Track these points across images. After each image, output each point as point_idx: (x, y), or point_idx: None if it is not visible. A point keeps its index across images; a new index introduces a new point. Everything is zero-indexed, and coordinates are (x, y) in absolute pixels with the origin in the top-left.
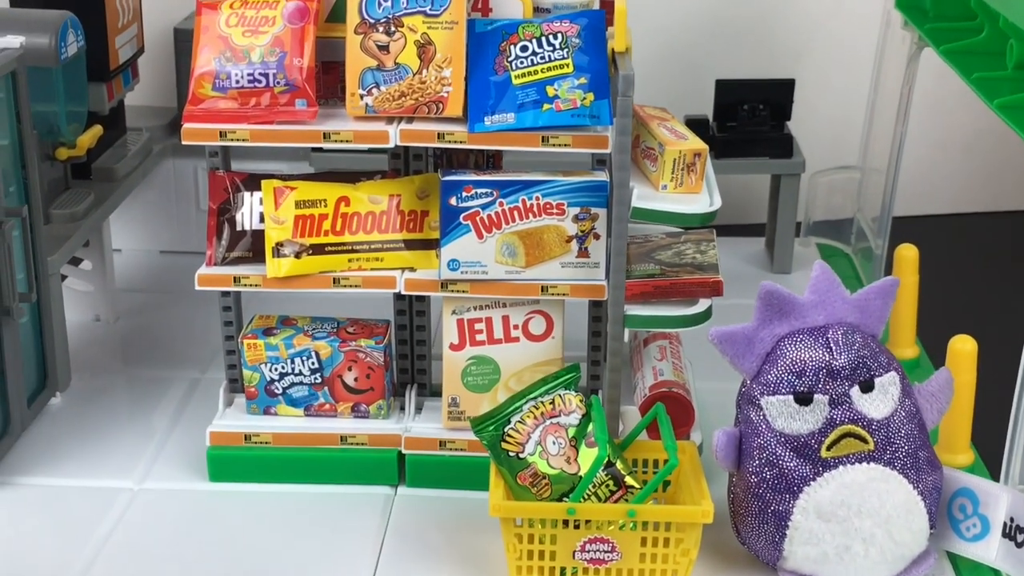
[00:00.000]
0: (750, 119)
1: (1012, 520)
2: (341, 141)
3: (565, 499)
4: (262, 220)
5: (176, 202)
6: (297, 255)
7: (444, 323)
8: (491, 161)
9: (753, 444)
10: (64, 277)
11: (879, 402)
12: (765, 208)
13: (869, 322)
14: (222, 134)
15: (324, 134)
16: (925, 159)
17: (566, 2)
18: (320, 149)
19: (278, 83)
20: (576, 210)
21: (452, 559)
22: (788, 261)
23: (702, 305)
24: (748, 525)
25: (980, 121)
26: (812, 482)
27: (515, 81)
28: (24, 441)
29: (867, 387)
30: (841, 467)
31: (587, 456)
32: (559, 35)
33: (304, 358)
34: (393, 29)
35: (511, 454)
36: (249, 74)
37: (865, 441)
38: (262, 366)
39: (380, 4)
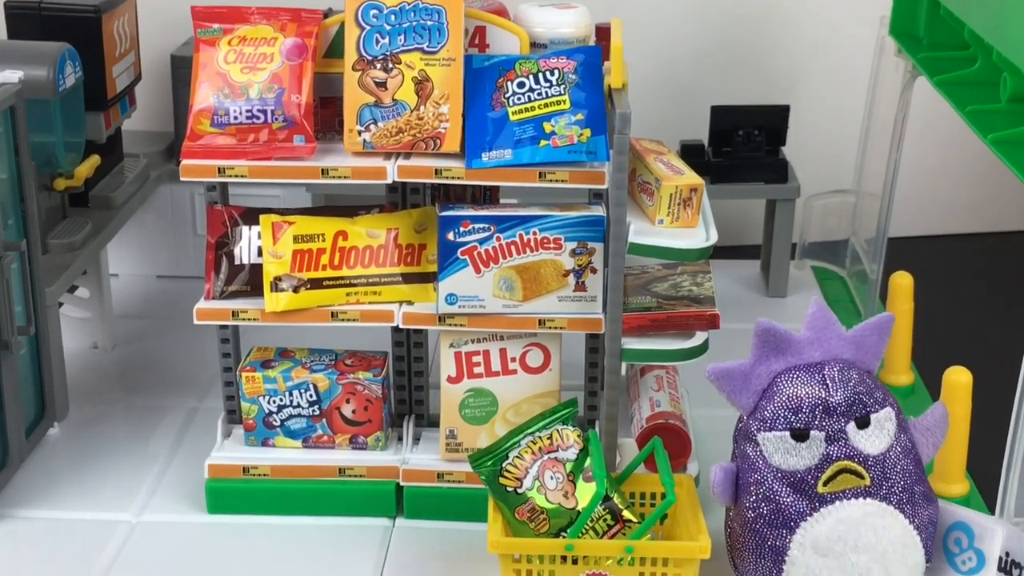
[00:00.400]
0: (745, 144)
1: (1008, 555)
2: (339, 177)
3: (563, 533)
4: (260, 254)
5: (173, 227)
6: (295, 289)
7: (442, 356)
8: (488, 195)
9: (750, 480)
10: (60, 304)
11: (875, 438)
12: (760, 231)
13: (865, 358)
14: (221, 170)
15: (322, 170)
16: (919, 180)
17: (563, 38)
18: None
19: (276, 119)
20: (573, 244)
21: None
22: (783, 284)
23: (699, 338)
24: (745, 560)
25: (974, 144)
26: (809, 517)
27: (512, 117)
28: (22, 473)
29: (863, 423)
30: (838, 502)
31: (585, 491)
32: (556, 71)
33: (302, 391)
34: (391, 66)
35: (509, 489)
36: (247, 110)
37: (861, 477)
38: (260, 399)
39: (378, 41)
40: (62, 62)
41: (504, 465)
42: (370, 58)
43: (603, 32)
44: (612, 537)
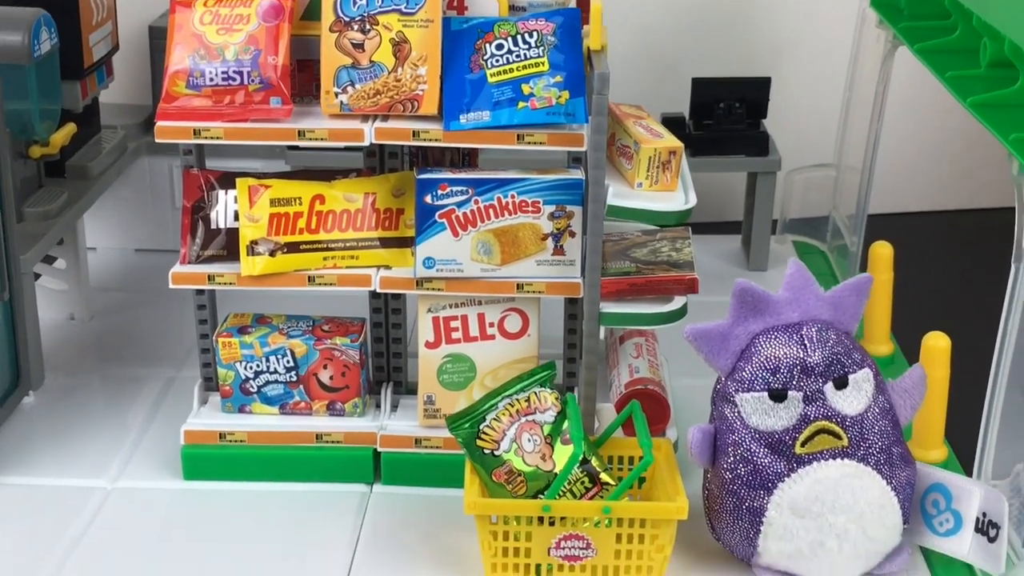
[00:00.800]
0: (726, 117)
1: (985, 515)
2: (316, 139)
3: (540, 496)
4: (236, 218)
5: (151, 200)
6: (272, 253)
7: (419, 321)
8: (467, 160)
9: (728, 440)
10: (38, 276)
11: (853, 398)
12: (741, 206)
13: (843, 319)
14: (196, 132)
15: (299, 132)
16: (900, 157)
17: (542, 0)
18: (296, 147)
19: (252, 81)
20: (551, 208)
21: (427, 557)
22: (764, 259)
23: (677, 302)
24: (723, 521)
25: (955, 119)
26: (786, 478)
27: (490, 79)
28: None
29: (841, 383)
30: (815, 463)
31: (562, 453)
32: (535, 33)
33: (279, 356)
34: (368, 27)
35: (486, 451)
36: (223, 72)
37: (839, 437)
38: (237, 364)
39: (355, 2)
40: (37, 27)
41: (481, 427)
42: (347, 19)
43: None
44: (590, 500)
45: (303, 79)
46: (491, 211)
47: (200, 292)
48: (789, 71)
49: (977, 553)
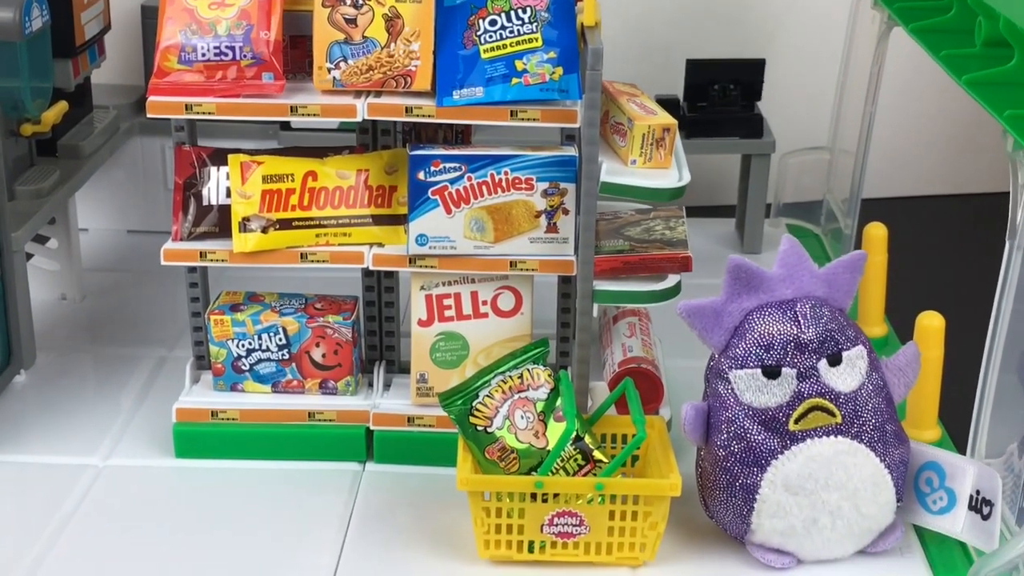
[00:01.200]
0: (721, 99)
1: (978, 493)
2: (308, 115)
3: (533, 473)
4: (229, 195)
5: (144, 181)
6: (264, 230)
7: (412, 299)
8: (460, 137)
9: (721, 418)
10: (30, 256)
11: (847, 375)
12: (735, 189)
13: (837, 296)
14: (188, 107)
15: (291, 107)
16: (895, 141)
17: None
18: (288, 127)
19: (245, 56)
20: (545, 185)
21: (420, 535)
22: (758, 242)
23: (671, 280)
24: (716, 499)
25: (949, 103)
26: (780, 455)
27: (484, 55)
28: None
29: (835, 360)
30: (809, 440)
31: (555, 430)
32: (528, 9)
33: (271, 334)
34: (361, 2)
35: (479, 428)
36: (215, 47)
37: (832, 414)
38: (229, 342)
39: None
40: (28, 4)
41: (474, 404)
42: None
43: None
44: (583, 477)
45: (295, 55)
46: (484, 188)
47: (192, 269)
48: (784, 53)
49: (971, 531)
